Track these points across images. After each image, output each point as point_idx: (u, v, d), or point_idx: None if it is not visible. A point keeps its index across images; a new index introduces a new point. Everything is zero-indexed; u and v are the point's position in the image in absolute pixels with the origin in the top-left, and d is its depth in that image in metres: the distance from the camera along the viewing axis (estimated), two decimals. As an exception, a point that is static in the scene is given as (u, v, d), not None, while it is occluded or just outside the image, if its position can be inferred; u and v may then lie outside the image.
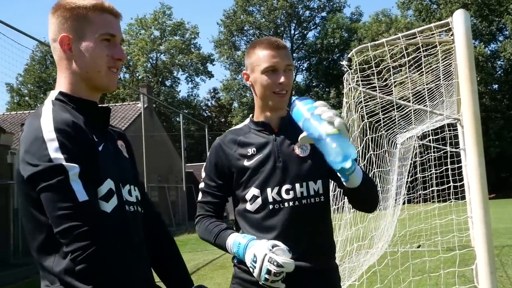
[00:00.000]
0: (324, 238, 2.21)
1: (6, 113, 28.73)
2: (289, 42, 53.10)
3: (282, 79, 2.12)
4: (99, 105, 1.71)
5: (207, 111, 57.79)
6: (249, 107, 50.69)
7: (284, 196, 2.11)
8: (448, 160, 8.60)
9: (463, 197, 8.20)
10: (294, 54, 52.87)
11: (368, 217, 5.86)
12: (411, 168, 10.49)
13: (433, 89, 7.06)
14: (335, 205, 5.51)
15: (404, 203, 10.60)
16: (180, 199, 28.51)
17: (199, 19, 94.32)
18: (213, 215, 2.25)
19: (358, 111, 5.73)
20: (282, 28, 52.35)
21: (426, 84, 5.97)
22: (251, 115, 2.32)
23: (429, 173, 8.92)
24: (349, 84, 5.42)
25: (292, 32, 52.96)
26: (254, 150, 2.18)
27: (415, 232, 9.42)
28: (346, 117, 5.50)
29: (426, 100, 6.21)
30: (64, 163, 1.42)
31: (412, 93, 6.27)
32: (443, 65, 6.07)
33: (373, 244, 6.43)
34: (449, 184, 8.02)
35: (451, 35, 4.29)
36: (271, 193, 2.11)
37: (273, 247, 1.90)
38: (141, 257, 1.65)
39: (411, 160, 10.51)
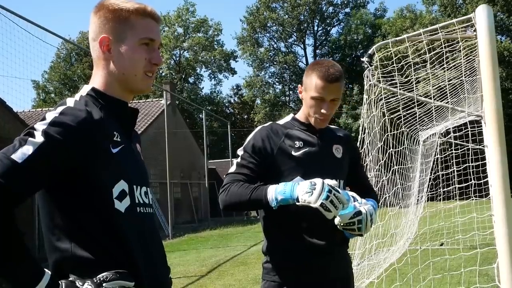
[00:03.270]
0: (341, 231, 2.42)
1: (31, 110, 29.11)
2: (312, 39, 52.93)
3: (324, 110, 2.37)
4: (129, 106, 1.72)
5: (229, 108, 57.90)
6: (271, 103, 50.67)
7: None
8: (472, 157, 8.49)
9: (486, 195, 8.07)
10: (317, 51, 52.65)
11: (388, 215, 5.82)
12: (433, 166, 10.37)
13: (456, 85, 6.96)
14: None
15: (426, 200, 10.49)
16: (203, 195, 28.64)
17: (222, 16, 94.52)
18: (243, 182, 2.31)
19: (379, 108, 5.68)
20: (305, 25, 52.13)
21: (449, 80, 5.88)
22: (292, 115, 2.55)
23: (451, 171, 8.79)
24: (370, 81, 5.37)
25: (315, 28, 52.72)
26: (301, 144, 2.41)
27: (437, 230, 9.31)
28: (366, 113, 5.47)
29: (448, 96, 6.11)
30: (35, 131, 1.42)
31: (434, 89, 6.19)
32: (467, 60, 5.98)
33: (393, 242, 6.38)
34: (472, 182, 7.90)
35: (474, 30, 4.22)
36: None
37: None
38: (152, 257, 1.64)
39: (434, 157, 10.38)
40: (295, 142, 2.40)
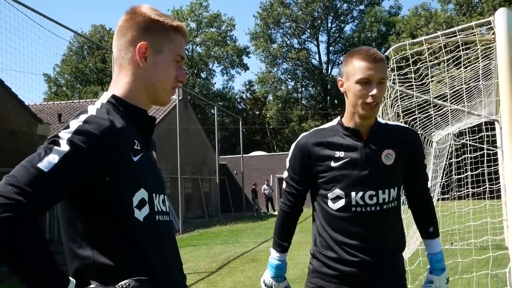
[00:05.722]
0: (400, 237, 2.43)
1: (43, 103, 29.17)
2: (325, 35, 52.74)
3: (374, 91, 2.21)
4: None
5: (241, 104, 57.88)
6: (283, 100, 50.60)
7: (368, 201, 2.26)
8: (485, 158, 8.47)
9: (498, 197, 8.06)
10: (331, 48, 52.48)
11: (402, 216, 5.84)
12: (446, 167, 10.35)
13: (471, 88, 6.96)
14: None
15: (438, 201, 10.48)
16: (213, 191, 28.68)
17: (236, 11, 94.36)
18: (293, 205, 2.48)
19: (394, 109, 5.70)
20: (319, 21, 51.93)
21: (465, 83, 5.89)
22: (339, 118, 2.41)
23: (464, 172, 8.79)
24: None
25: (329, 25, 52.52)
26: (342, 154, 2.30)
27: (448, 231, 9.31)
28: (382, 116, 5.49)
29: (464, 98, 6.13)
30: (61, 139, 1.42)
31: (450, 91, 6.20)
32: (483, 63, 5.98)
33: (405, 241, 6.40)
34: (485, 184, 7.91)
35: (492, 33, 4.23)
36: (355, 197, 2.26)
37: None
38: (170, 265, 1.64)
39: (447, 158, 10.37)
40: (335, 151, 2.31)
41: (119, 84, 1.67)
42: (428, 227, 2.44)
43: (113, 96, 1.64)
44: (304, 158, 2.37)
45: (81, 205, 1.49)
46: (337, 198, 2.29)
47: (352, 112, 2.32)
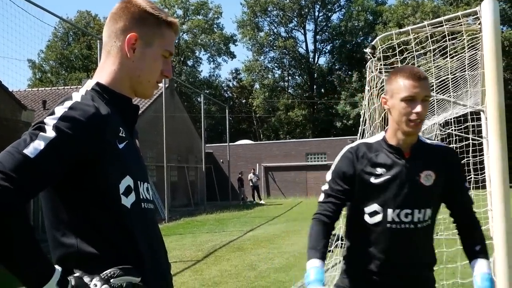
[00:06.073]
0: (432, 253, 2.48)
1: (27, 90, 28.97)
2: (313, 24, 52.66)
3: (418, 109, 2.27)
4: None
5: (228, 92, 57.79)
6: (270, 88, 50.57)
7: (403, 219, 2.33)
8: (470, 148, 8.51)
9: (484, 187, 8.10)
10: (318, 37, 52.44)
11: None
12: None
13: (457, 78, 6.97)
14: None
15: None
16: (199, 179, 28.72)
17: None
18: (330, 215, 2.43)
19: (381, 99, 5.69)
20: (306, 10, 51.84)
21: (451, 73, 5.90)
22: (384, 133, 2.45)
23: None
24: (372, 72, 5.39)
25: (316, 14, 52.44)
26: (383, 171, 2.36)
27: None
28: (368, 105, 5.49)
29: (450, 88, 6.14)
30: (46, 125, 1.41)
31: (436, 81, 6.21)
32: (469, 53, 5.99)
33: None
34: (470, 174, 7.97)
35: (479, 24, 4.23)
36: (391, 214, 2.33)
37: None
38: (156, 252, 1.65)
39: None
40: (377, 168, 2.37)
41: (105, 71, 1.66)
42: (475, 246, 2.43)
43: (98, 84, 1.64)
44: (348, 170, 2.41)
45: (66, 192, 1.48)
46: (374, 213, 2.36)
47: (396, 129, 2.37)
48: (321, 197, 2.48)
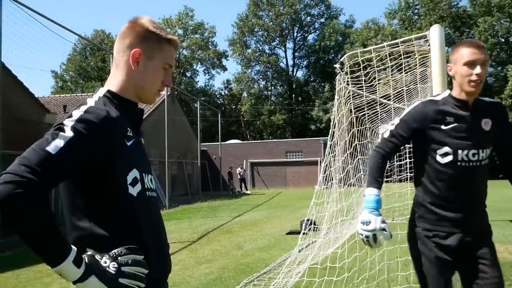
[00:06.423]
0: (486, 189, 2.53)
1: (50, 96, 28.65)
2: (292, 43, 52.78)
3: (478, 71, 2.33)
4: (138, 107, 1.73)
5: (220, 99, 57.60)
6: (256, 96, 50.51)
7: (471, 157, 2.41)
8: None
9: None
10: (296, 53, 52.54)
11: (352, 196, 5.90)
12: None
13: (411, 90, 7.03)
14: (325, 185, 5.54)
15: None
16: (195, 173, 28.58)
17: (217, 20, 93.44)
18: (389, 153, 2.56)
19: (348, 107, 5.73)
20: (287, 31, 51.93)
21: (405, 85, 5.95)
22: (449, 91, 2.51)
23: (404, 159, 8.92)
24: (341, 84, 5.42)
25: (295, 34, 52.57)
26: (452, 119, 2.42)
27: (390, 208, 9.47)
28: (337, 111, 5.52)
29: (404, 98, 6.19)
30: (65, 127, 1.41)
31: (393, 92, 6.26)
32: (420, 69, 6.04)
33: (355, 217, 6.48)
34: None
35: (428, 45, 4.27)
36: (461, 154, 2.40)
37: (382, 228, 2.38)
38: (157, 234, 1.65)
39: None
40: (446, 117, 2.42)
41: (114, 80, 1.66)
42: None
43: (109, 91, 1.64)
44: (420, 120, 2.45)
45: (81, 184, 1.48)
46: (445, 155, 2.41)
47: (460, 91, 2.43)
48: (386, 133, 2.56)
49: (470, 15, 43.22)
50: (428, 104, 2.47)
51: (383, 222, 2.42)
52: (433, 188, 2.45)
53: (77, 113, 1.46)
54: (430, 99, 2.52)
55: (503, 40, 42.36)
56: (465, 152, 2.40)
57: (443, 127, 2.41)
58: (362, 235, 2.40)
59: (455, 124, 2.41)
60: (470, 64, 2.34)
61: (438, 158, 2.42)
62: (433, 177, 2.45)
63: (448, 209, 2.42)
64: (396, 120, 2.54)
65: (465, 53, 2.36)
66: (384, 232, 2.39)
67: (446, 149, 2.40)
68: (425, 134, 2.44)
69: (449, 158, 2.40)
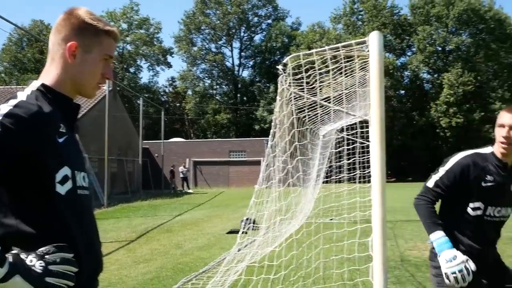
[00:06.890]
0: (499, 234, 2.90)
1: (-19, 87, 27.12)
2: (238, 43, 52.93)
3: (503, 134, 2.62)
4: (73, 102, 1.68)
5: (164, 97, 56.83)
6: (200, 95, 50.24)
7: (496, 214, 2.75)
8: (358, 150, 8.84)
9: (368, 181, 8.44)
10: (242, 53, 52.73)
11: (291, 195, 5.99)
12: (329, 156, 10.74)
13: (351, 93, 7.23)
14: (265, 185, 5.58)
15: (322, 184, 10.86)
16: (136, 171, 28.01)
17: (163, 16, 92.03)
18: (434, 200, 2.78)
19: (289, 108, 5.80)
20: (234, 30, 52.04)
21: (345, 89, 6.11)
22: (491, 148, 2.77)
23: (342, 160, 9.17)
24: (283, 85, 5.47)
25: (242, 34, 52.79)
26: (492, 179, 2.69)
27: (328, 208, 9.70)
28: (278, 112, 5.57)
29: (344, 102, 6.35)
30: None
31: (334, 95, 6.42)
32: (360, 74, 6.23)
33: (293, 216, 6.60)
34: (357, 171, 8.27)
35: (368, 51, 4.41)
36: (490, 210, 2.72)
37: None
38: (88, 232, 1.61)
39: (330, 149, 10.76)
40: (487, 176, 2.69)
41: (49, 74, 1.61)
42: None
43: (43, 85, 1.59)
44: (463, 174, 2.70)
45: (7, 179, 1.42)
46: (477, 209, 2.70)
47: (497, 149, 2.71)
48: (431, 182, 2.78)
49: (411, 23, 45.24)
50: (473, 158, 2.73)
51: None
52: (457, 232, 2.74)
53: (5, 108, 1.40)
54: (476, 152, 2.78)
55: (440, 48, 44.64)
56: (493, 209, 2.71)
57: (482, 184, 2.68)
58: (454, 272, 2.55)
59: (493, 184, 2.68)
60: (501, 127, 2.63)
61: (469, 210, 2.71)
62: (459, 223, 2.74)
63: (466, 246, 2.73)
64: (441, 171, 2.77)
65: (501, 115, 2.65)
66: (470, 261, 2.59)
67: (479, 204, 2.70)
68: (465, 186, 2.70)
69: (479, 212, 2.71)
